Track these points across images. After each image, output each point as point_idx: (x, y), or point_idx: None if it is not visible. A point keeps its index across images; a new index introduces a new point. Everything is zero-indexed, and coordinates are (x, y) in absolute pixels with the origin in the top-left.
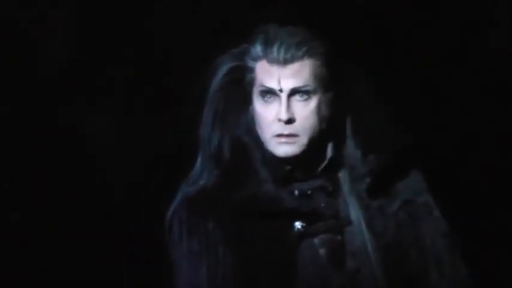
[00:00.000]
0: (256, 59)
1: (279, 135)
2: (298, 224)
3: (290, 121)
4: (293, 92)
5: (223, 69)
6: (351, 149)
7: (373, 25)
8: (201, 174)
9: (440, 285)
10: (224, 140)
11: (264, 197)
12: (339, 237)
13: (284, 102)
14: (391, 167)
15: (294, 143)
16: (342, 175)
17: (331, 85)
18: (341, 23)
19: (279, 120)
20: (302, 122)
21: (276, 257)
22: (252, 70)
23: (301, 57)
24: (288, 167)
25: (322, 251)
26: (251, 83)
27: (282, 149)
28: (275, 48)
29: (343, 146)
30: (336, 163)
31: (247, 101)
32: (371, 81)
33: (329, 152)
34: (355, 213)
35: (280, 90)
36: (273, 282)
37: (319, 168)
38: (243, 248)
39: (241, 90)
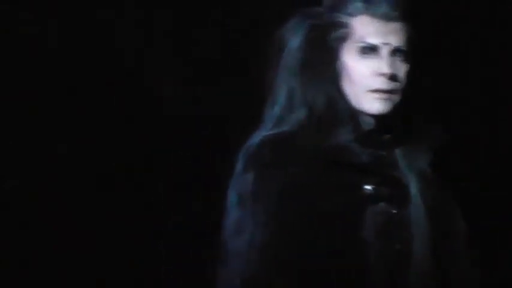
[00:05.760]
0: (353, 14)
1: (376, 91)
2: (368, 186)
3: (392, 77)
4: (395, 51)
5: (303, 28)
6: (418, 122)
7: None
8: (279, 122)
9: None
10: (310, 92)
11: (345, 150)
12: (397, 208)
13: (387, 57)
14: (454, 144)
15: (388, 99)
16: (405, 148)
17: (415, 54)
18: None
19: (380, 74)
20: (399, 81)
21: (343, 212)
22: (346, 25)
23: (401, 18)
24: (369, 128)
25: (380, 219)
26: (343, 38)
27: (376, 105)
28: (378, 4)
29: (410, 118)
30: (402, 135)
31: (333, 57)
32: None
33: (399, 122)
34: (414, 186)
35: (385, 44)
36: (336, 236)
37: (388, 138)
38: (313, 198)
39: (323, 47)
